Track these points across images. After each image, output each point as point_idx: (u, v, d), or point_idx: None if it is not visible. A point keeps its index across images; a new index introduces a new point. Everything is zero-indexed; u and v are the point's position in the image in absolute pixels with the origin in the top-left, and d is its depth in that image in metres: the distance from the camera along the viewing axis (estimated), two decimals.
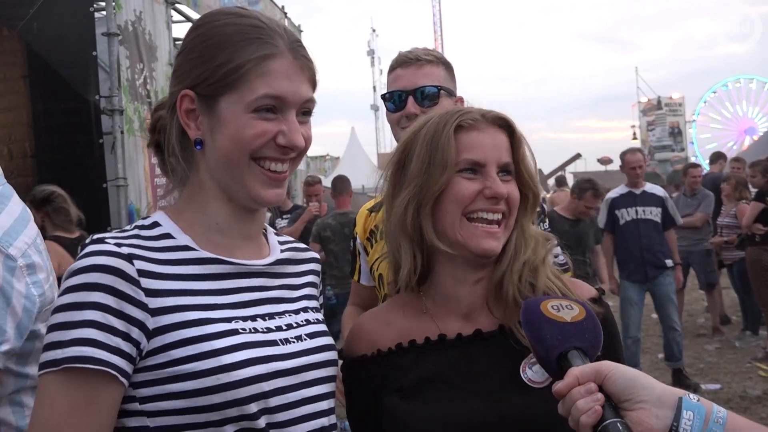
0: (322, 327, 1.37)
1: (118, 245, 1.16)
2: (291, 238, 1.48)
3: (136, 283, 1.13)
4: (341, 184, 7.00)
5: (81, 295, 1.11)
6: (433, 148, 1.36)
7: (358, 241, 2.39)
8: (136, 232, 1.23)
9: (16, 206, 1.79)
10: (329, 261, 6.43)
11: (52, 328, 1.12)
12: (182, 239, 1.24)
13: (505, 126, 1.41)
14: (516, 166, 1.40)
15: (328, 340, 1.35)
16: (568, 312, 1.18)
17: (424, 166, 1.36)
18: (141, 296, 1.13)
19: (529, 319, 1.18)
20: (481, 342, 1.36)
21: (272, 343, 1.22)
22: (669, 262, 6.52)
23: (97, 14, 5.28)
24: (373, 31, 55.78)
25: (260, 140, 1.21)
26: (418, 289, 1.45)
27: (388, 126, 2.30)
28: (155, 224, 1.25)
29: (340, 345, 1.53)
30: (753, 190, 8.01)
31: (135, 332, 1.12)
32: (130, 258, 1.14)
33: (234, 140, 1.21)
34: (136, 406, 1.14)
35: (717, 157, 10.40)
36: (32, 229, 1.79)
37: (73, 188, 5.07)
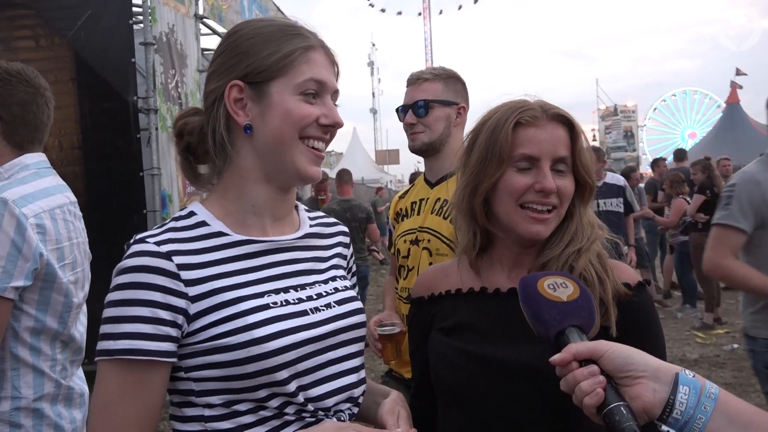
0: (351, 293, 1.35)
1: (158, 244, 1.17)
2: (322, 214, 1.47)
3: (177, 277, 1.15)
4: (346, 175, 7.55)
5: (129, 292, 1.13)
6: (493, 142, 1.33)
7: (390, 221, 2.67)
8: (171, 224, 1.24)
9: (44, 182, 1.94)
10: None
11: (105, 321, 1.14)
12: (216, 225, 1.25)
13: (565, 121, 1.35)
14: (573, 159, 1.34)
15: (356, 304, 1.34)
16: (563, 291, 1.13)
17: (482, 156, 1.34)
18: (182, 287, 1.16)
19: (527, 299, 1.14)
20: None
21: (302, 313, 1.23)
22: (626, 249, 6.69)
23: (135, 26, 5.29)
24: (373, 45, 56.47)
25: (308, 120, 1.23)
26: (478, 257, 1.45)
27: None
28: (192, 213, 1.26)
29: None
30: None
31: (180, 319, 1.15)
32: (169, 256, 1.16)
33: (285, 119, 1.22)
34: (182, 374, 1.19)
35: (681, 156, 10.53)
36: (54, 201, 1.91)
37: (114, 176, 5.19)
